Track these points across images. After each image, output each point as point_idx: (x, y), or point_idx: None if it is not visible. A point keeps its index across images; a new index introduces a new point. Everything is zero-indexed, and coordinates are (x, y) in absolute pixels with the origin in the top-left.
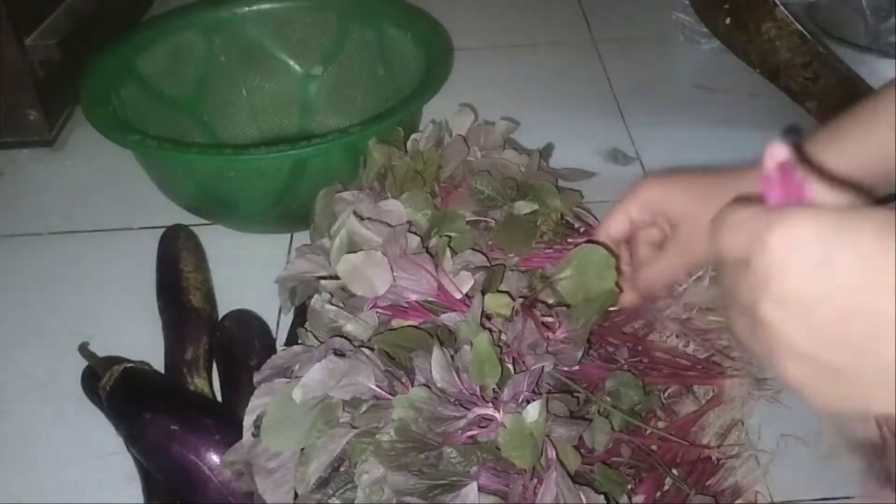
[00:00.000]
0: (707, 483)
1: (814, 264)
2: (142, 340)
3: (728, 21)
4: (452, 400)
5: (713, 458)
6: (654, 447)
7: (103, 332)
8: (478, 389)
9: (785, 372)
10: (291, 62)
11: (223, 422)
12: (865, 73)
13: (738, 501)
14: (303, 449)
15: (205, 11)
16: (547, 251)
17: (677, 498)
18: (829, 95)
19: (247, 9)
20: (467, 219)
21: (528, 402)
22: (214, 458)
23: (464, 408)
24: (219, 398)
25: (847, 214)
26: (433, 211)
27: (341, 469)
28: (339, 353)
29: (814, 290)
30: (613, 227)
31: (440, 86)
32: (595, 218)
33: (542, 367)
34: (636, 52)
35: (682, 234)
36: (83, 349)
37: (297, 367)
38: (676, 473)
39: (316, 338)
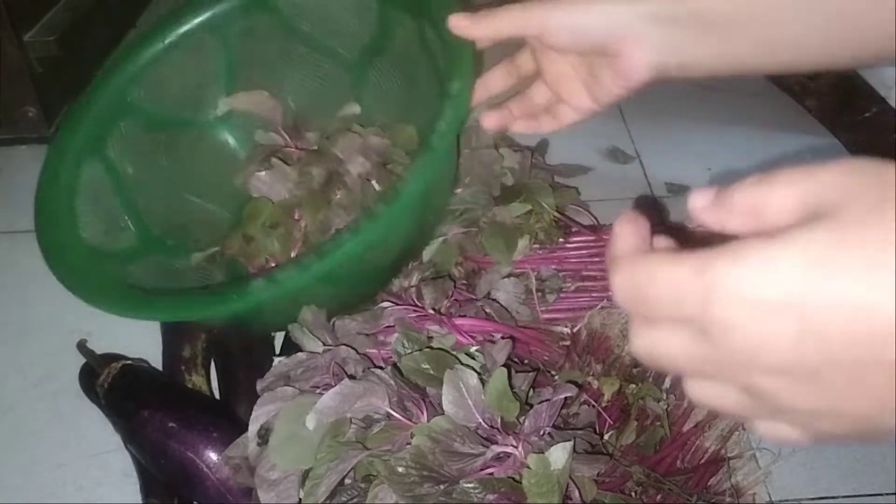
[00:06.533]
0: (709, 483)
1: (797, 326)
2: (140, 338)
3: None
4: (473, 426)
5: (715, 459)
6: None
7: (101, 329)
8: (498, 421)
9: (807, 427)
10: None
11: (221, 419)
12: (865, 72)
13: (739, 501)
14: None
15: None
16: (540, 252)
17: (679, 499)
18: (828, 94)
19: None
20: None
21: (550, 436)
22: (212, 455)
23: (483, 445)
24: (217, 396)
25: (808, 241)
26: None
27: (346, 482)
28: (351, 376)
29: (810, 355)
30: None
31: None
32: (592, 216)
33: (564, 397)
34: None
35: None
36: (81, 346)
37: (299, 371)
38: (679, 478)
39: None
